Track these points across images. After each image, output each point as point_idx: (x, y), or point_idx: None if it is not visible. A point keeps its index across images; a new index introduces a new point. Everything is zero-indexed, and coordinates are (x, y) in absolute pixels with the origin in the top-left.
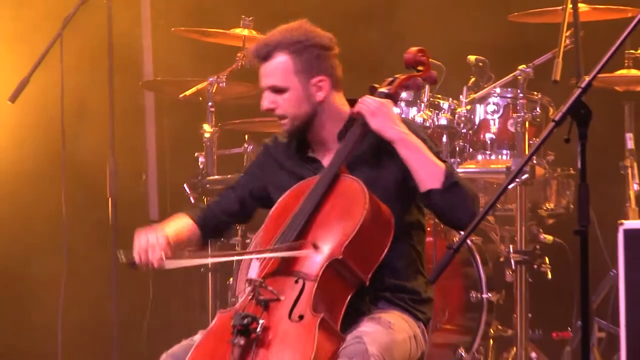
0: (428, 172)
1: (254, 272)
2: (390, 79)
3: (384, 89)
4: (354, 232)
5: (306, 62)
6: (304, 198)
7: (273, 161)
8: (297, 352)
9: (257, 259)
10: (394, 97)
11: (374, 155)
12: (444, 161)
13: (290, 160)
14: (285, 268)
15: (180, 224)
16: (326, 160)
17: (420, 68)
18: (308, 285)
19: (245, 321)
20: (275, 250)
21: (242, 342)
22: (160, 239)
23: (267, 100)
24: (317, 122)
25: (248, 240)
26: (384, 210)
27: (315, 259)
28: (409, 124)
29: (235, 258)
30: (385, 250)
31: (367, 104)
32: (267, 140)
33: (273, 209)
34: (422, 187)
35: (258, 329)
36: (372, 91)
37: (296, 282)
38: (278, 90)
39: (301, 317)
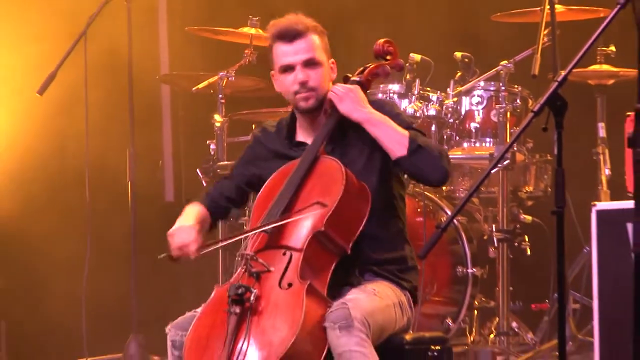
0: (394, 143)
1: (245, 248)
2: (362, 68)
3: (355, 77)
4: (334, 206)
5: (326, 45)
6: (288, 178)
7: (263, 150)
8: (287, 316)
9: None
10: (364, 84)
11: (348, 136)
12: (413, 129)
13: (279, 146)
14: (274, 242)
15: (199, 213)
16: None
17: (388, 57)
18: (295, 256)
19: (240, 291)
20: (277, 221)
21: (237, 310)
22: (192, 234)
23: (303, 74)
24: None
25: None
26: (361, 187)
27: (300, 231)
28: (380, 104)
29: (249, 234)
30: (364, 222)
31: (336, 91)
32: (256, 130)
33: (261, 190)
34: (392, 156)
35: (251, 298)
36: (345, 80)
37: (284, 254)
38: (313, 64)
39: (290, 285)
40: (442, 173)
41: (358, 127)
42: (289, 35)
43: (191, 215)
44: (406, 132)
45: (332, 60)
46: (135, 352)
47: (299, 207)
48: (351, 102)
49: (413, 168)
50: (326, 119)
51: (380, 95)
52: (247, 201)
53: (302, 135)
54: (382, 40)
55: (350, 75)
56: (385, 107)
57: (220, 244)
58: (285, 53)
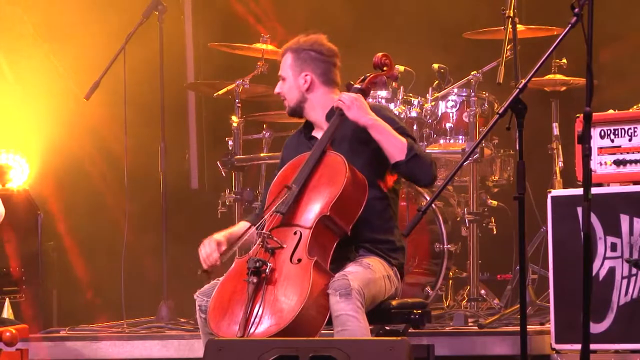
0: (394, 148)
1: (262, 227)
2: (362, 77)
3: (357, 85)
4: (338, 195)
5: (299, 60)
6: (299, 170)
7: (288, 152)
8: (297, 287)
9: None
10: (365, 91)
11: (353, 137)
12: (408, 136)
13: (299, 144)
14: (287, 223)
15: (236, 228)
16: None
17: (385, 68)
18: (304, 235)
19: (257, 264)
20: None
21: (255, 280)
22: (211, 245)
23: (277, 87)
24: (306, 106)
25: None
26: (361, 177)
27: (308, 215)
28: (377, 108)
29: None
30: (362, 208)
31: (344, 99)
32: (287, 139)
33: (275, 178)
34: (391, 159)
35: (267, 270)
36: (349, 87)
37: (294, 233)
38: (282, 79)
39: (299, 260)
40: (431, 178)
41: (359, 128)
42: (281, 54)
43: (228, 229)
44: (404, 140)
45: (306, 73)
46: (165, 315)
47: (308, 195)
48: (358, 109)
49: (408, 172)
50: (332, 120)
51: (370, 100)
52: None
53: (316, 131)
54: (380, 54)
55: (352, 82)
56: (381, 111)
57: (238, 243)
58: None
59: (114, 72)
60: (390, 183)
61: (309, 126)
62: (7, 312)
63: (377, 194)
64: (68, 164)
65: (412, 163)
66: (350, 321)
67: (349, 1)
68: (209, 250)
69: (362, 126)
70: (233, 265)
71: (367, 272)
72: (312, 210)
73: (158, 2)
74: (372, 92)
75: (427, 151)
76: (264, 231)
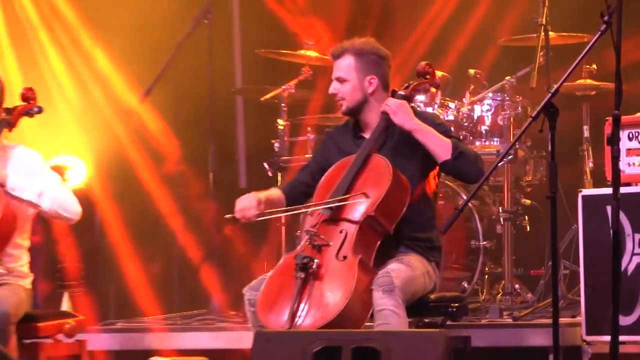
0: (440, 149)
1: (309, 225)
2: (406, 84)
3: (401, 92)
4: (382, 196)
5: (364, 63)
6: (346, 170)
7: (333, 144)
8: (342, 283)
9: (311, 215)
10: (409, 98)
11: (398, 141)
12: (452, 137)
13: (345, 139)
14: (333, 222)
15: (273, 192)
16: None
17: (427, 76)
18: (349, 234)
19: (305, 260)
20: (334, 202)
21: (302, 275)
22: (252, 201)
23: (333, 87)
24: (366, 108)
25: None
26: (404, 180)
27: (354, 214)
28: (423, 114)
29: (302, 211)
30: (404, 209)
31: (390, 105)
32: (329, 128)
33: (323, 178)
34: (438, 159)
35: (314, 266)
36: (393, 93)
37: (340, 232)
38: (341, 80)
39: (345, 258)
40: (478, 174)
41: (403, 132)
42: (334, 55)
43: (266, 192)
44: (449, 140)
45: (371, 76)
46: (216, 308)
47: (354, 195)
48: (403, 114)
49: (455, 170)
50: (378, 124)
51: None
52: None
53: (363, 130)
54: (424, 63)
55: (396, 89)
56: (428, 118)
57: (279, 214)
58: (333, 67)
59: (166, 77)
60: (432, 185)
61: (358, 125)
62: (67, 306)
63: (418, 195)
64: (122, 164)
65: (458, 161)
66: (392, 316)
67: (388, 10)
68: (247, 204)
69: (408, 130)
70: (281, 261)
71: (408, 270)
72: (358, 210)
73: (207, 11)
74: None
75: (475, 151)
76: (311, 229)
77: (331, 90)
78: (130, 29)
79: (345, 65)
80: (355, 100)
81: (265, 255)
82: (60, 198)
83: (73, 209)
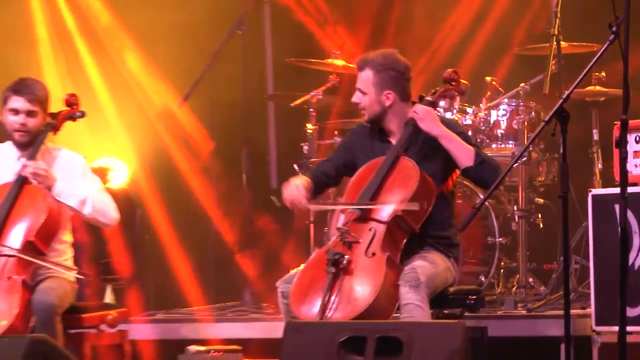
0: (464, 156)
1: (340, 223)
2: (433, 90)
3: (428, 98)
4: (410, 196)
5: (382, 79)
6: (375, 172)
7: (358, 141)
8: (370, 279)
9: (342, 213)
10: (435, 104)
11: (424, 145)
12: (474, 145)
13: (371, 141)
14: (363, 220)
15: (306, 180)
16: None
17: (453, 83)
18: (378, 232)
19: (336, 256)
20: (366, 204)
21: (333, 270)
22: (300, 191)
23: (356, 97)
24: (386, 118)
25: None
26: (430, 182)
27: (383, 213)
28: (448, 122)
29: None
30: (430, 209)
31: (418, 111)
32: (355, 126)
33: (353, 178)
34: (460, 165)
35: (344, 262)
36: (421, 99)
37: (370, 230)
38: (362, 92)
39: (373, 254)
40: (495, 180)
41: (427, 137)
42: (358, 66)
43: (302, 179)
44: (472, 148)
45: (388, 91)
46: (249, 300)
47: (383, 195)
48: (430, 121)
49: (477, 176)
50: (405, 129)
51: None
52: (340, 182)
53: (389, 135)
54: (450, 70)
55: (424, 95)
56: (450, 124)
57: (330, 207)
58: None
59: (202, 84)
60: (450, 186)
61: (383, 131)
62: (109, 298)
63: (438, 195)
64: (162, 166)
65: (480, 168)
66: (416, 310)
67: (409, 20)
68: (296, 193)
69: (434, 136)
70: (312, 256)
71: (432, 267)
72: (386, 209)
73: (241, 23)
74: None
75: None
76: (342, 227)
77: (354, 99)
78: (168, 38)
79: (365, 79)
80: (374, 112)
81: (294, 250)
82: (100, 206)
83: (110, 216)
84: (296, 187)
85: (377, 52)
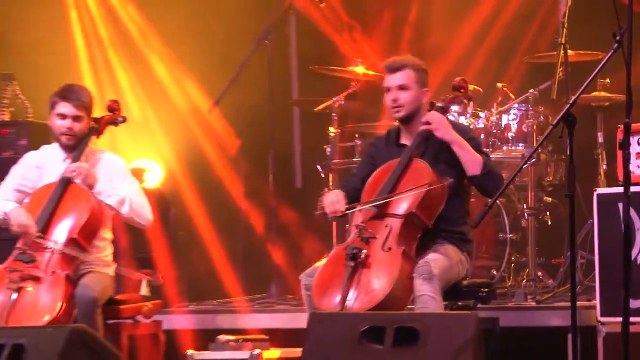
0: (472, 164)
1: (358, 220)
2: (444, 97)
3: (440, 104)
4: (423, 195)
5: (421, 77)
6: (390, 173)
7: (378, 151)
8: (388, 271)
9: (360, 212)
10: (446, 110)
11: (438, 149)
12: (482, 152)
13: (389, 148)
14: (379, 217)
15: (339, 193)
16: None
17: (462, 90)
18: (394, 228)
19: (355, 251)
20: (401, 194)
21: (352, 264)
22: (339, 197)
23: (393, 95)
24: (417, 118)
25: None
26: (442, 181)
27: (398, 211)
28: (461, 128)
29: (378, 203)
30: (442, 207)
31: (432, 118)
32: (371, 140)
33: (370, 178)
34: (468, 173)
35: (362, 257)
36: (432, 105)
37: (386, 226)
38: (403, 89)
39: (390, 249)
40: (497, 191)
41: (442, 142)
42: (392, 68)
43: (340, 191)
44: (480, 157)
45: (426, 89)
46: (275, 293)
47: (398, 194)
48: (444, 128)
49: (481, 185)
50: (419, 133)
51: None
52: None
53: (405, 139)
54: (459, 78)
55: (435, 102)
56: (462, 130)
57: (359, 208)
58: (388, 79)
59: (231, 90)
60: (465, 188)
61: (398, 134)
62: (145, 291)
63: (453, 195)
64: (194, 167)
65: (485, 177)
66: (430, 301)
67: (424, 31)
68: (335, 199)
69: (447, 142)
70: (333, 251)
71: (445, 260)
72: (402, 207)
73: (268, 33)
74: None
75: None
76: (360, 224)
77: (392, 97)
78: (200, 44)
79: (407, 77)
80: (413, 108)
81: (317, 245)
82: (137, 207)
83: (145, 217)
84: (335, 194)
85: (404, 56)
